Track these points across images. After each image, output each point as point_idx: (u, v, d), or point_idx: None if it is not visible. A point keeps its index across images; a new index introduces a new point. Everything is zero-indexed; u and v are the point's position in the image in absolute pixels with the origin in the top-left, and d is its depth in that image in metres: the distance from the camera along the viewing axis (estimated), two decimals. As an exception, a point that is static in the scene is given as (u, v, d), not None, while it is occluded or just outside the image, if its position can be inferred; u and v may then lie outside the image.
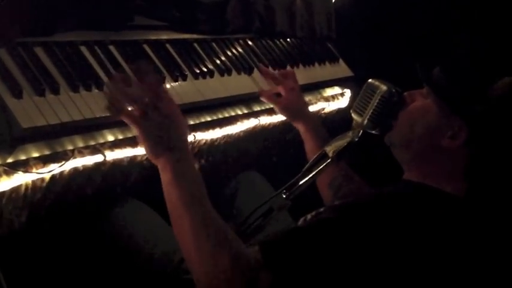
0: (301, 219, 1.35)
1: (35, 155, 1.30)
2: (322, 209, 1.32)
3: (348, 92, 2.50)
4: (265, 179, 2.05)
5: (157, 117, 1.21)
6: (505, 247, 1.28)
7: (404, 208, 1.21)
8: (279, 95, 1.85)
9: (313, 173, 1.47)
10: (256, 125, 1.96)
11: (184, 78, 1.66)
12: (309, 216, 1.34)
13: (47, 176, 1.35)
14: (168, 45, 1.72)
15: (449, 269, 1.18)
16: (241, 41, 2.03)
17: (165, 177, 1.22)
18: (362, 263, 1.14)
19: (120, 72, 1.48)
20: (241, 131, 1.93)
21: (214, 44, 1.89)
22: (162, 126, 1.22)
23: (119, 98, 1.19)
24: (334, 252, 1.14)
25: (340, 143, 1.46)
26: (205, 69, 1.75)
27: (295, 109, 1.84)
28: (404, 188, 1.31)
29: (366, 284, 1.16)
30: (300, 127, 1.82)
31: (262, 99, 1.86)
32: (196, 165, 1.87)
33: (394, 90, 1.38)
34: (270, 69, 2.01)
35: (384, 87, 1.38)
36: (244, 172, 2.03)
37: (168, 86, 1.60)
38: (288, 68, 2.13)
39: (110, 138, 1.46)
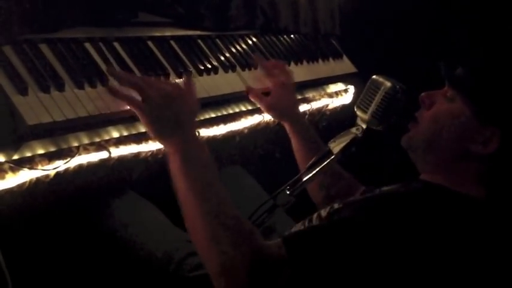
0: (315, 215, 1.34)
1: (40, 151, 1.30)
2: (337, 205, 1.30)
3: (351, 88, 2.50)
4: (247, 173, 2.03)
5: (156, 96, 1.21)
6: None
7: (429, 211, 1.18)
8: (267, 94, 1.81)
9: (317, 169, 1.47)
10: (260, 121, 1.96)
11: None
12: (322, 213, 1.33)
13: (52, 173, 1.36)
14: (172, 42, 1.72)
15: (473, 273, 1.17)
16: (245, 37, 2.03)
17: (174, 163, 1.20)
18: (388, 264, 1.13)
19: (124, 69, 1.49)
20: (245, 128, 1.93)
21: (218, 41, 1.89)
22: (163, 106, 1.21)
23: (116, 85, 1.23)
24: (359, 253, 1.13)
25: (344, 139, 1.46)
26: (209, 66, 1.75)
27: (283, 108, 1.79)
28: (427, 190, 1.27)
29: (389, 284, 1.14)
30: (287, 127, 1.79)
31: (250, 97, 1.81)
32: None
33: (398, 87, 1.38)
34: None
35: (388, 84, 1.38)
36: (228, 167, 2.02)
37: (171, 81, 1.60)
38: (292, 64, 2.13)
39: (115, 134, 1.46)
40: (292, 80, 1.85)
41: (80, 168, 1.42)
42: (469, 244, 1.17)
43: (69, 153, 1.37)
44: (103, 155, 1.45)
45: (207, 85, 1.71)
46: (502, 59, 1.27)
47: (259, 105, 1.82)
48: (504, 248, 1.21)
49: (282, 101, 1.79)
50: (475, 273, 1.17)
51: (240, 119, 1.88)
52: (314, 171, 1.47)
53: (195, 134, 1.27)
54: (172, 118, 1.22)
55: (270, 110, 1.80)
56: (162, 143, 1.25)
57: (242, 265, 1.11)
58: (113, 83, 1.38)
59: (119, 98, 1.31)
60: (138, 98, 1.27)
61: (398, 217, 1.16)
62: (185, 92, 1.30)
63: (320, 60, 2.32)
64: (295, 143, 1.79)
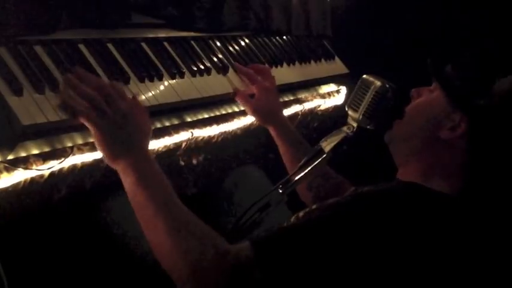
0: (293, 217, 1.36)
1: (35, 151, 1.31)
2: (314, 206, 1.33)
3: (343, 89, 2.52)
4: (263, 172, 2.05)
5: (114, 115, 1.18)
6: (497, 247, 1.28)
7: (396, 208, 1.21)
8: (253, 96, 1.83)
9: (309, 168, 1.49)
10: (253, 121, 1.98)
11: (182, 76, 1.68)
12: (301, 214, 1.35)
13: (46, 173, 1.37)
14: (165, 43, 1.74)
15: (440, 270, 1.19)
16: (238, 39, 2.05)
17: (128, 180, 1.19)
18: (354, 263, 1.14)
19: (117, 70, 1.50)
20: (238, 128, 1.94)
21: (211, 42, 1.91)
22: (119, 125, 1.18)
23: (72, 96, 1.15)
24: (326, 252, 1.14)
25: (335, 138, 1.47)
26: (202, 67, 1.77)
27: (267, 112, 1.81)
28: (397, 187, 1.31)
29: (358, 284, 1.15)
30: (271, 131, 1.81)
31: (237, 99, 1.82)
32: (195, 161, 1.89)
33: (388, 86, 1.40)
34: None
35: (378, 83, 1.40)
36: (242, 166, 2.03)
37: (166, 83, 1.62)
38: (285, 65, 2.15)
39: (109, 135, 1.46)
40: (275, 85, 1.87)
41: (74, 168, 1.43)
42: (437, 240, 1.19)
43: (63, 153, 1.38)
44: (97, 155, 1.46)
45: (200, 86, 1.73)
46: (480, 54, 1.33)
47: (245, 109, 1.84)
48: (472, 244, 1.23)
49: (266, 105, 1.81)
50: (443, 270, 1.18)
51: (233, 120, 1.90)
52: (306, 170, 1.49)
53: (148, 152, 1.25)
54: (128, 137, 1.20)
55: (255, 112, 1.82)
56: (112, 161, 1.20)
57: (209, 272, 1.11)
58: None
59: (75, 111, 1.19)
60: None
61: (364, 217, 1.17)
62: (140, 111, 1.27)
63: (312, 61, 2.34)
64: (281, 146, 1.80)
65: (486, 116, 1.26)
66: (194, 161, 1.93)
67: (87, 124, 1.19)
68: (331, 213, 1.21)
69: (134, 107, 1.25)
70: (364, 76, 1.44)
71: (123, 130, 1.19)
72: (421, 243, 1.18)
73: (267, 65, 2.01)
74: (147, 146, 1.25)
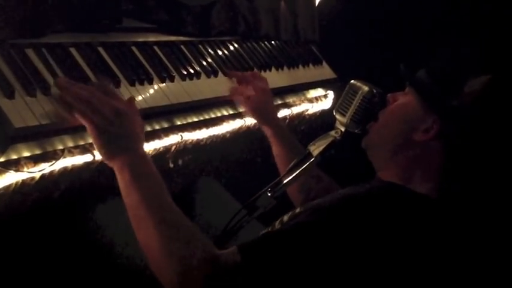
0: (278, 221, 1.38)
1: (26, 154, 1.32)
2: (298, 210, 1.35)
3: (331, 94, 2.55)
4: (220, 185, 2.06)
5: (109, 113, 1.21)
6: (474, 247, 1.31)
7: (375, 211, 1.23)
8: (249, 97, 1.86)
9: (297, 171, 1.51)
10: (241, 125, 1.99)
11: (172, 80, 1.69)
12: (285, 218, 1.37)
13: (37, 175, 1.37)
14: (155, 47, 1.75)
15: (420, 271, 1.21)
16: (227, 43, 2.06)
17: (123, 179, 1.21)
18: (340, 267, 1.16)
19: (108, 73, 1.51)
20: (227, 132, 1.96)
21: (200, 46, 1.93)
22: (115, 124, 1.21)
23: (68, 95, 1.20)
24: (313, 257, 1.16)
25: (323, 142, 1.50)
26: (192, 71, 1.78)
27: (265, 111, 1.85)
28: (375, 189, 1.33)
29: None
30: (267, 131, 1.84)
31: (235, 99, 1.85)
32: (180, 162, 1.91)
33: (375, 91, 1.43)
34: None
35: (365, 88, 1.43)
36: (201, 178, 2.05)
37: (155, 86, 1.63)
38: (273, 70, 2.17)
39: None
40: (268, 86, 1.90)
41: (64, 170, 1.43)
42: (417, 242, 1.21)
43: (54, 156, 1.38)
44: (87, 158, 1.46)
45: (189, 90, 1.74)
46: (451, 55, 1.37)
47: (242, 109, 1.87)
48: (452, 245, 1.26)
49: (264, 104, 1.85)
50: (423, 271, 1.21)
51: (222, 123, 1.92)
52: (294, 174, 1.51)
53: (144, 150, 1.27)
54: (124, 135, 1.23)
55: (255, 112, 1.85)
56: (109, 159, 1.23)
57: (197, 275, 1.12)
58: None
59: (73, 110, 1.24)
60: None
61: (347, 223, 1.20)
62: (134, 110, 1.30)
63: (300, 66, 2.37)
64: (275, 148, 1.83)
65: (458, 116, 1.27)
66: (180, 162, 1.94)
67: (84, 123, 1.21)
68: (314, 218, 1.22)
69: (128, 105, 1.27)
70: (352, 81, 1.47)
71: (120, 129, 1.21)
72: (402, 245, 1.20)
73: (256, 70, 2.04)
74: (143, 146, 1.26)
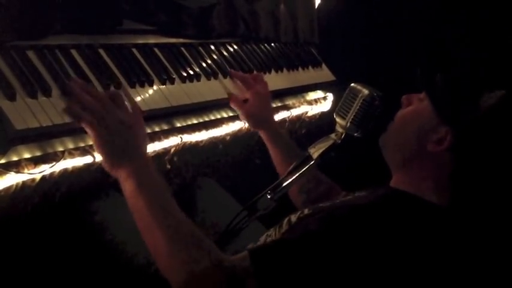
0: (285, 221, 1.38)
1: (27, 156, 1.32)
2: (306, 211, 1.35)
3: (330, 96, 2.55)
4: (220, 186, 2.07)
5: (113, 122, 1.22)
6: (484, 257, 1.30)
7: (387, 223, 1.22)
8: (246, 101, 1.86)
9: (297, 174, 1.51)
10: (241, 127, 2.00)
11: (172, 82, 1.70)
12: (293, 218, 1.37)
13: (38, 177, 1.38)
14: (156, 49, 1.75)
15: (431, 280, 1.20)
16: (226, 45, 2.07)
17: (128, 188, 1.22)
18: (350, 280, 1.15)
19: (109, 75, 1.52)
20: (226, 134, 1.96)
21: (200, 48, 1.93)
22: (119, 132, 1.22)
23: (76, 102, 1.22)
24: (324, 267, 1.15)
25: (323, 145, 1.50)
26: (192, 73, 1.79)
27: (260, 116, 1.85)
28: (388, 198, 1.32)
29: None
30: (263, 135, 1.84)
31: (232, 105, 1.85)
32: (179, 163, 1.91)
33: (375, 94, 1.43)
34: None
35: (365, 91, 1.43)
36: (201, 179, 2.05)
37: (156, 88, 1.64)
38: (273, 72, 2.17)
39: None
40: (268, 90, 1.90)
41: (65, 172, 1.44)
42: (427, 251, 1.21)
43: (54, 157, 1.39)
44: (87, 159, 1.46)
45: (189, 92, 1.74)
46: (470, 67, 1.37)
47: (238, 113, 1.87)
48: (460, 254, 1.25)
49: (259, 109, 1.85)
50: (434, 281, 1.20)
51: (221, 125, 1.92)
52: (294, 176, 1.51)
53: (147, 159, 1.28)
54: (128, 144, 1.24)
55: (249, 117, 1.85)
56: (113, 169, 1.24)
57: (204, 281, 1.13)
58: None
59: (78, 118, 1.26)
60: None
61: (359, 230, 1.19)
62: (138, 119, 1.31)
63: (300, 68, 2.37)
64: (272, 151, 1.83)
65: (472, 130, 1.27)
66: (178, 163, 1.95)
67: (89, 132, 1.23)
68: (325, 229, 1.21)
69: (134, 115, 1.28)
70: (352, 84, 1.47)
71: (123, 138, 1.22)
72: (416, 257, 1.19)
73: (257, 72, 2.04)
74: (146, 152, 1.27)
